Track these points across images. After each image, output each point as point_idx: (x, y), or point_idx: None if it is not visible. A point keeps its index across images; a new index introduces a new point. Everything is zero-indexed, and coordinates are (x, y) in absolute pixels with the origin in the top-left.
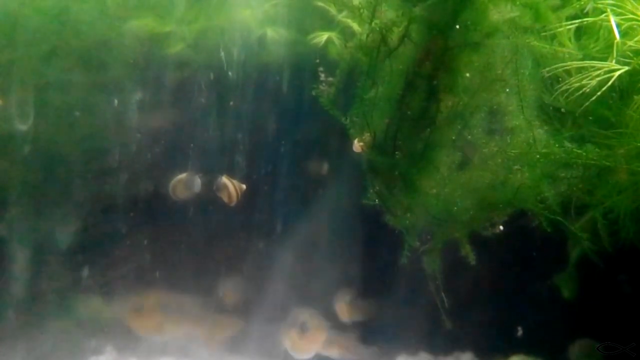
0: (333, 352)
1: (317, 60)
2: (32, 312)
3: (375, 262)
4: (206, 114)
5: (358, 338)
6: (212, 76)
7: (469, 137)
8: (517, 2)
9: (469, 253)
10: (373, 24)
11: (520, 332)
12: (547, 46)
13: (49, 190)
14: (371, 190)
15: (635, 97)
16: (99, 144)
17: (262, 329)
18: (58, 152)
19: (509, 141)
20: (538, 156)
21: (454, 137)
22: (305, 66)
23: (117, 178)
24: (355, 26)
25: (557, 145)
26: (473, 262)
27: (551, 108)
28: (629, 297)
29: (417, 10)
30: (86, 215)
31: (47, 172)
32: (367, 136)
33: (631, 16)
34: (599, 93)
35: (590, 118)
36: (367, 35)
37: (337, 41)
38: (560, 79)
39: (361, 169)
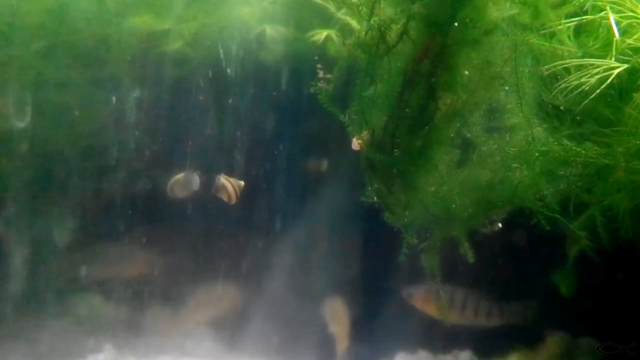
0: None
1: (316, 58)
2: (30, 310)
3: (374, 260)
4: (204, 111)
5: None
6: (210, 73)
7: (468, 134)
8: (516, 0)
9: (467, 251)
10: (372, 22)
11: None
12: (546, 44)
13: (47, 188)
14: (370, 188)
15: (635, 95)
16: (97, 141)
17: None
18: (56, 150)
19: (507, 139)
20: (537, 154)
21: (452, 135)
22: (304, 64)
23: (115, 176)
24: (354, 23)
25: (556, 143)
26: (472, 260)
27: (550, 106)
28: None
29: (416, 8)
30: (84, 213)
31: (45, 169)
32: (365, 134)
33: (630, 14)
34: (598, 91)
35: (590, 116)
36: (366, 33)
37: (335, 39)
38: (559, 77)
39: (360, 167)
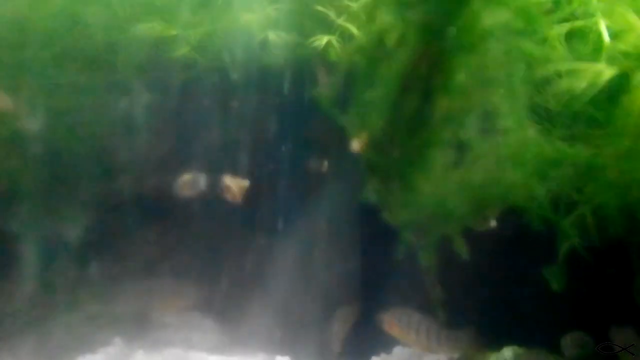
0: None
1: (317, 63)
2: (41, 306)
3: (373, 257)
4: (210, 114)
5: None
6: (216, 78)
7: (464, 136)
8: (510, 6)
9: (461, 248)
10: (371, 28)
11: None
12: (539, 49)
13: (59, 188)
14: (369, 188)
15: (624, 98)
16: (107, 143)
17: None
18: (67, 152)
19: (501, 141)
20: (529, 155)
21: (448, 137)
22: (305, 68)
23: (125, 177)
24: (354, 30)
25: (547, 145)
26: (466, 257)
27: (542, 109)
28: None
29: (413, 14)
30: (95, 212)
31: (57, 170)
32: (365, 136)
33: (620, 19)
34: (588, 94)
35: (580, 118)
36: (365, 39)
37: (336, 44)
38: (551, 81)
39: (360, 168)
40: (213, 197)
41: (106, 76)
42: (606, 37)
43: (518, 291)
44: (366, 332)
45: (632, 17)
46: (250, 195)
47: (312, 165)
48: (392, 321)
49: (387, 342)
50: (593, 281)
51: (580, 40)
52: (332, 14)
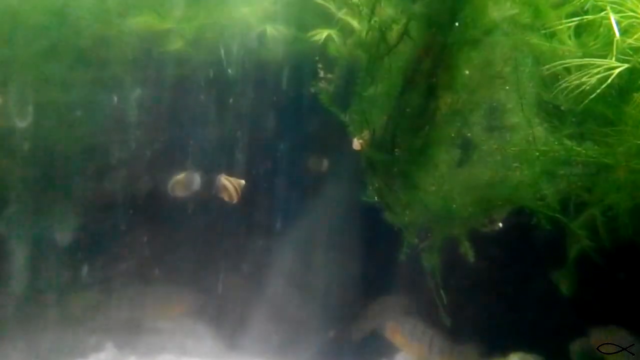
0: None
1: (317, 58)
2: (32, 310)
3: (375, 259)
4: (205, 111)
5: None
6: (211, 73)
7: (468, 134)
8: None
9: (467, 250)
10: (372, 22)
11: None
12: (547, 44)
13: (49, 188)
14: (371, 187)
15: (635, 94)
16: (99, 141)
17: None
18: (58, 149)
19: (508, 138)
20: (537, 153)
21: (453, 134)
22: (304, 63)
23: (117, 176)
24: (354, 24)
25: (556, 143)
26: (472, 260)
27: (551, 105)
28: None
29: (417, 8)
30: (86, 212)
31: (47, 169)
32: (366, 133)
33: (631, 14)
34: (598, 91)
35: (590, 116)
36: (367, 33)
37: (336, 39)
38: (559, 77)
39: (361, 166)
40: (208, 197)
41: (98, 71)
42: (616, 32)
43: (525, 295)
44: (370, 337)
45: None
46: (248, 195)
47: (312, 164)
48: (396, 329)
49: (388, 348)
50: (603, 284)
51: (590, 35)
52: (332, 7)
